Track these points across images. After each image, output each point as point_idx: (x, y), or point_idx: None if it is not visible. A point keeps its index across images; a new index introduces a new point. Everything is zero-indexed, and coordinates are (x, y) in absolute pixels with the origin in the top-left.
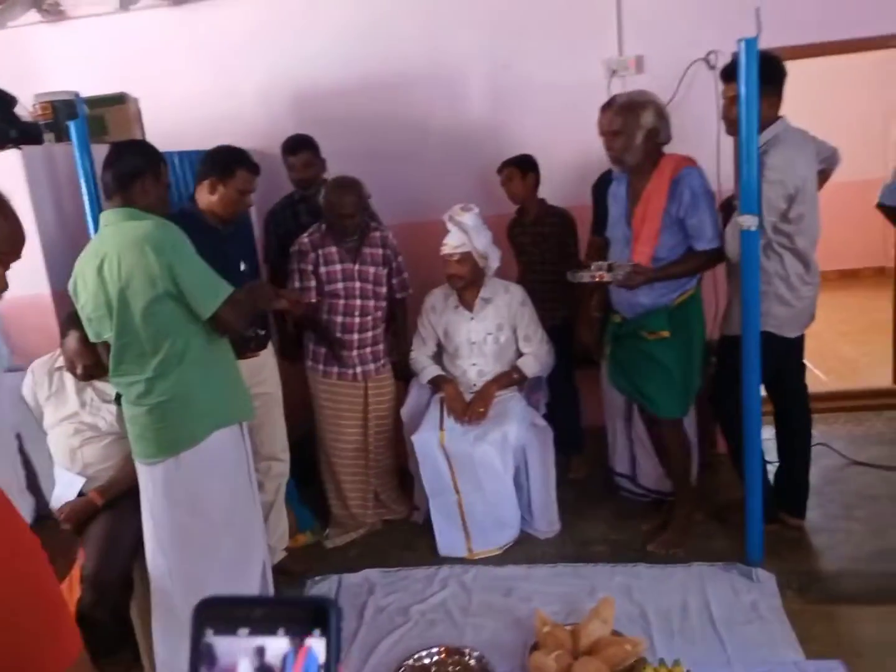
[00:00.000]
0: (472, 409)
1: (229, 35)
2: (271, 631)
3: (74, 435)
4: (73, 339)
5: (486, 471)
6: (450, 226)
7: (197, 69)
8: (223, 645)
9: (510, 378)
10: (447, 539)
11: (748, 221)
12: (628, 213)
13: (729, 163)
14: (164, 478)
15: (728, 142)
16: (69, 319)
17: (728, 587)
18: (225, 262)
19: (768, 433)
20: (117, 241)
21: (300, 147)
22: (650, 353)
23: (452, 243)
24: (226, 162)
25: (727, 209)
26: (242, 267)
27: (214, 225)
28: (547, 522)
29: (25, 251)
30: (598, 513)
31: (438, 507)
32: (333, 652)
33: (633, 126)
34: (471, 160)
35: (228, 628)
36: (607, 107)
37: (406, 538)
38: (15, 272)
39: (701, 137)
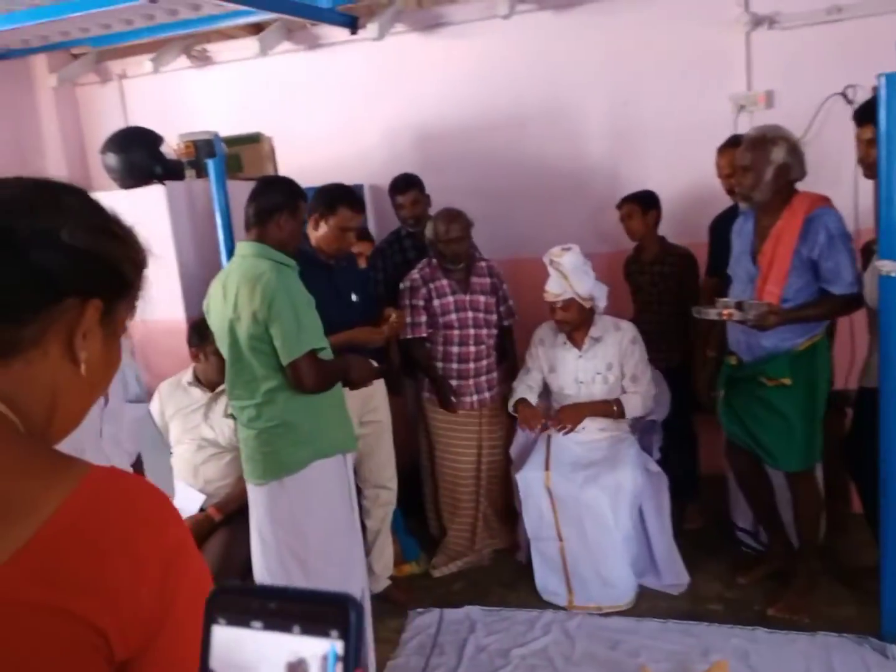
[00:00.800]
0: (558, 417)
1: (356, 78)
2: (286, 627)
3: (197, 451)
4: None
5: (592, 518)
6: (550, 270)
7: (326, 110)
8: (234, 640)
9: (607, 408)
10: (547, 584)
11: (888, 266)
12: (754, 250)
13: (867, 204)
14: (269, 500)
15: (866, 182)
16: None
17: (858, 661)
18: (336, 295)
19: None
20: (239, 275)
21: (409, 186)
22: (769, 400)
23: (554, 291)
24: (329, 199)
25: (867, 253)
26: (354, 298)
27: (325, 260)
28: (674, 575)
29: (165, 278)
30: (714, 567)
31: (540, 550)
32: (352, 657)
33: (763, 162)
34: (587, 197)
35: (241, 619)
36: (725, 147)
37: (510, 577)
38: (154, 299)
39: (837, 176)
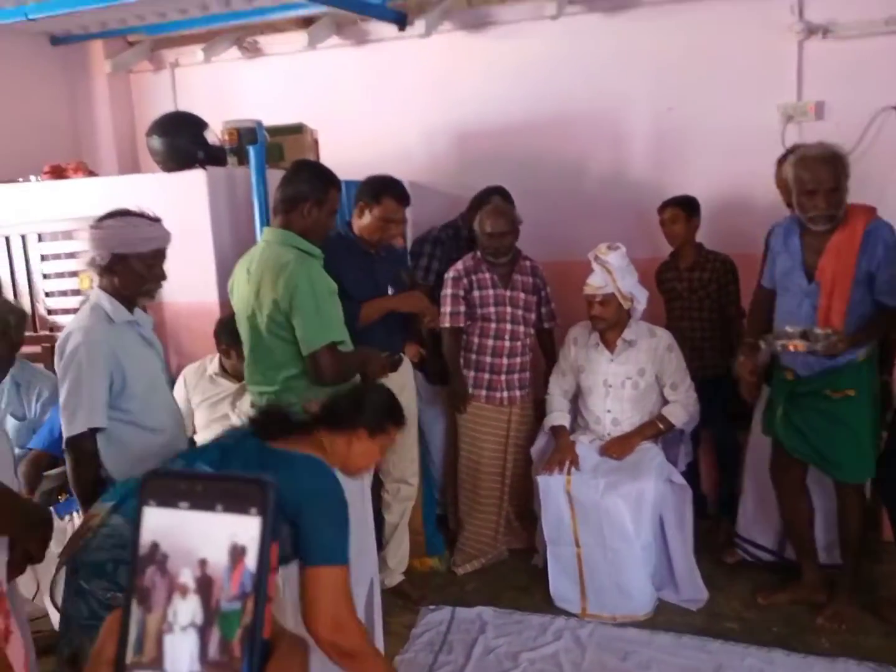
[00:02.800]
0: (607, 450)
1: (402, 75)
2: (210, 506)
3: None
4: None
5: (612, 526)
6: (594, 265)
7: (371, 105)
8: (165, 524)
9: (656, 428)
10: (561, 591)
11: None
12: (806, 265)
13: None
14: None
15: None
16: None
17: None
18: (374, 284)
19: None
20: (263, 262)
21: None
22: (834, 413)
23: (595, 284)
24: (375, 189)
25: None
26: (390, 291)
27: (367, 248)
28: (692, 590)
29: (201, 261)
30: (734, 586)
31: (556, 555)
32: (268, 531)
33: (845, 179)
34: (626, 201)
35: (170, 501)
36: (784, 159)
37: (524, 581)
38: (189, 281)
39: (882, 192)
